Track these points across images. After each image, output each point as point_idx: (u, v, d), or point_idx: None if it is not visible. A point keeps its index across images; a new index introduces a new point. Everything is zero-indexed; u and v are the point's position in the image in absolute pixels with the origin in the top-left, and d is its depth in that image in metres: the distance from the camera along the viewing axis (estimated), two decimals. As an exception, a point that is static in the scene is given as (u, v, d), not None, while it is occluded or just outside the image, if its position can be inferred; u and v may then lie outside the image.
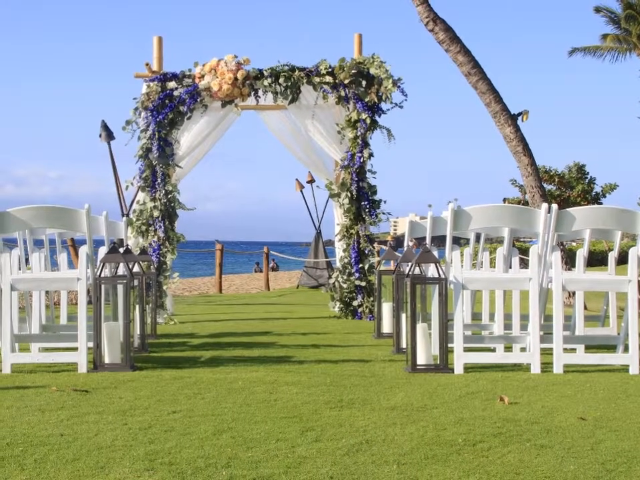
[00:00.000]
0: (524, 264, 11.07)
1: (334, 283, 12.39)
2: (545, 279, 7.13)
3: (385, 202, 12.17)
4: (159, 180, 11.75)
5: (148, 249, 11.59)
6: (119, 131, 12.23)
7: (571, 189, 33.79)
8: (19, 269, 8.19)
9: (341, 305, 12.20)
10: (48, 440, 4.36)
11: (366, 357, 7.64)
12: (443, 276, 6.75)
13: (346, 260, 12.19)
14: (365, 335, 9.76)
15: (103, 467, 3.86)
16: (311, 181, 21.83)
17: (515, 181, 34.10)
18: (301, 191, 23.12)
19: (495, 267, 8.63)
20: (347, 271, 12.16)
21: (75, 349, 6.89)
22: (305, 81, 11.89)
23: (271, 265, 34.58)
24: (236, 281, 32.57)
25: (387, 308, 9.62)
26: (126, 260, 7.11)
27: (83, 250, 7.03)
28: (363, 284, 12.07)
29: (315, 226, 22.61)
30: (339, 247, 12.52)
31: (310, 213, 22.99)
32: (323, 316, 12.37)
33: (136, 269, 8.23)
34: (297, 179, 23.12)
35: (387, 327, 9.56)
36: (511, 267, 8.16)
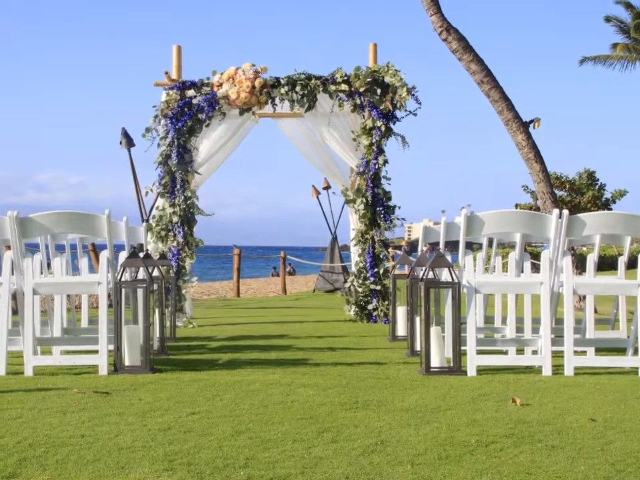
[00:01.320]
0: (535, 268, 11.12)
1: (349, 287, 12.47)
2: (556, 283, 7.19)
3: (399, 208, 12.24)
4: (178, 186, 11.85)
5: (167, 253, 11.70)
6: (138, 138, 12.32)
7: (582, 194, 33.79)
8: (41, 273, 8.32)
9: (357, 309, 12.26)
10: (69, 441, 4.40)
11: (381, 360, 7.68)
12: (456, 280, 6.82)
13: (361, 264, 12.26)
14: (380, 338, 9.79)
15: (123, 468, 3.90)
16: (327, 187, 21.81)
17: (527, 187, 34.12)
18: (317, 197, 23.11)
19: (507, 271, 8.70)
20: (362, 275, 12.23)
21: (96, 351, 6.95)
22: (321, 89, 11.96)
23: (287, 270, 34.64)
24: (253, 285, 32.66)
25: (401, 311, 9.68)
26: (146, 264, 7.14)
27: (104, 255, 7.12)
28: (378, 288, 12.14)
29: (330, 231, 22.57)
30: (355, 252, 12.58)
31: (326, 219, 22.95)
32: (339, 319, 12.40)
33: (155, 273, 8.26)
34: (313, 185, 23.08)
35: (401, 330, 9.61)
36: (522, 272, 8.22)
